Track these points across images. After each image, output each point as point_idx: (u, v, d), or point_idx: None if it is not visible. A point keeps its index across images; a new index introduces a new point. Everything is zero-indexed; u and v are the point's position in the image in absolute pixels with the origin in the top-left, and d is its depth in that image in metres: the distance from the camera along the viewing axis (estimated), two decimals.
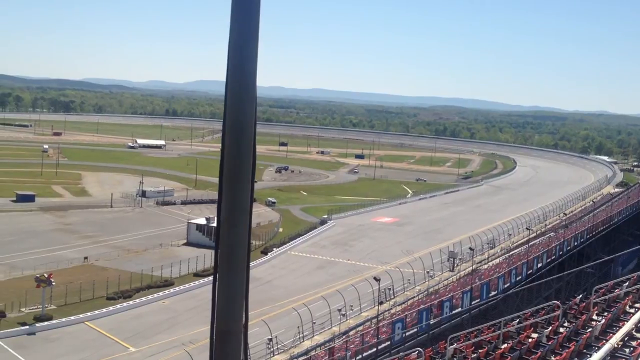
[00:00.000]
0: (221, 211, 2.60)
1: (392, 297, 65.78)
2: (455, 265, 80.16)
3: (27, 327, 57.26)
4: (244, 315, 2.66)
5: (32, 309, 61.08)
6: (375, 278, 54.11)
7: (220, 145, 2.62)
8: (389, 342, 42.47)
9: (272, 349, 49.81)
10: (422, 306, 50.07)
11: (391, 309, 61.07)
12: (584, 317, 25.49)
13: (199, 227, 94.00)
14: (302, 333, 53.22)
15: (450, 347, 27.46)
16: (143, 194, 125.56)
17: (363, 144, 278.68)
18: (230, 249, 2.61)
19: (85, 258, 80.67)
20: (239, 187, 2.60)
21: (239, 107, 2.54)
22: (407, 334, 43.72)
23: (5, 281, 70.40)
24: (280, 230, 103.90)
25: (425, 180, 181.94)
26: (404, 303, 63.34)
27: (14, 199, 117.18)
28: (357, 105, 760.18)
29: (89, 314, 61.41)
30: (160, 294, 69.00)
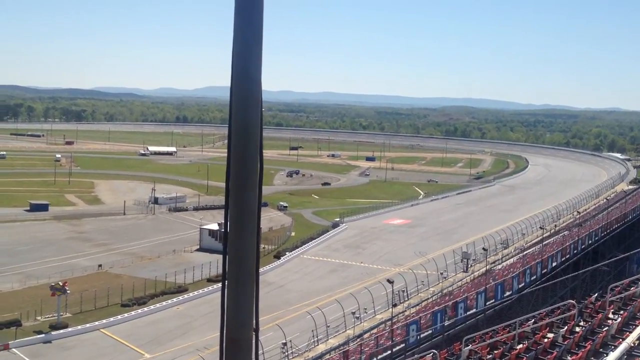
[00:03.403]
0: (228, 218, 2.57)
1: (406, 299, 65.57)
2: (469, 266, 79.80)
3: (43, 335, 57.63)
4: (254, 322, 2.63)
5: (48, 317, 61.49)
6: (388, 280, 53.90)
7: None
8: (403, 345, 42.33)
9: (286, 353, 49.79)
10: (436, 308, 49.90)
11: (405, 311, 60.88)
12: (599, 316, 25.31)
13: (212, 232, 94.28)
14: (317, 337, 53.16)
15: (466, 348, 27.35)
16: (155, 200, 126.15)
17: (373, 146, 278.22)
18: (239, 256, 2.58)
19: (100, 266, 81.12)
20: (247, 193, 2.56)
21: (245, 112, 2.52)
22: (422, 335, 43.57)
23: (21, 290, 70.92)
24: (293, 234, 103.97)
25: (436, 182, 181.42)
26: (418, 305, 63.11)
27: (28, 208, 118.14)
28: (367, 107, 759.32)
29: (104, 321, 61.74)
30: (175, 300, 69.28)
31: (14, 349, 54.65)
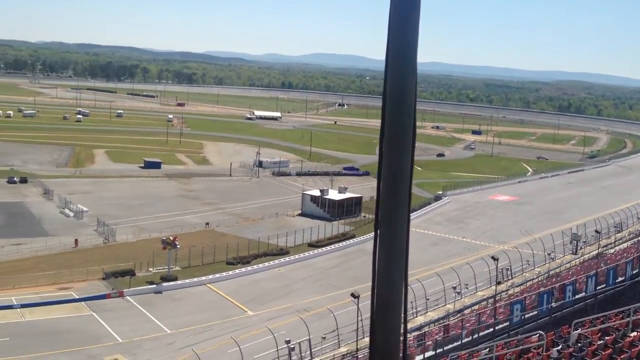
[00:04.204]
0: (382, 179, 2.62)
1: (510, 277, 63.82)
2: (579, 248, 76.41)
3: (154, 286, 60.84)
4: (404, 285, 2.64)
5: (159, 269, 64.79)
6: (493, 257, 52.62)
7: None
8: (507, 323, 41.24)
9: None
10: (542, 289, 48.14)
11: (509, 289, 59.28)
12: None
13: (313, 198, 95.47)
14: (416, 309, 52.92)
15: (575, 332, 26.27)
16: (260, 164, 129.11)
17: (480, 119, 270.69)
18: (391, 218, 2.60)
19: (207, 224, 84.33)
20: (400, 156, 2.58)
21: (400, 79, 2.54)
22: (527, 316, 42.24)
23: (135, 242, 75.13)
24: None
25: (546, 159, 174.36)
26: (522, 284, 61.26)
27: (142, 165, 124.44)
28: (475, 79, 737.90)
29: (210, 276, 64.30)
30: (276, 261, 70.96)
31: (128, 297, 58.12)
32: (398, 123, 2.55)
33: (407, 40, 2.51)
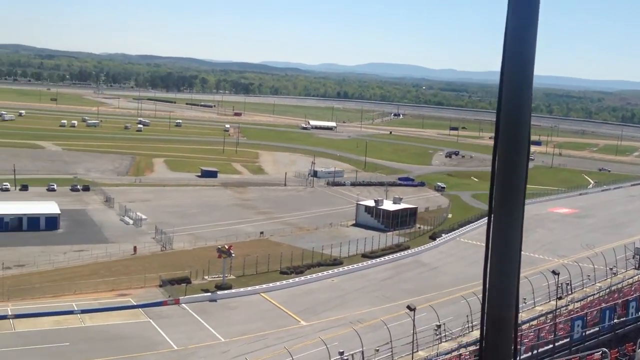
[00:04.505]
0: (494, 192, 2.61)
1: (570, 292, 61.86)
2: None
3: (209, 294, 61.61)
4: (515, 303, 2.58)
5: (214, 277, 65.58)
6: (553, 272, 51.18)
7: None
8: (567, 340, 39.96)
9: (439, 336, 49.12)
10: (604, 305, 46.50)
11: (568, 305, 57.46)
12: None
13: (368, 208, 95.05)
14: (471, 322, 51.83)
15: None
16: (315, 174, 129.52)
17: (540, 129, 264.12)
18: (504, 236, 2.53)
19: (261, 233, 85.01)
20: (514, 172, 2.53)
21: (516, 93, 2.49)
22: (588, 332, 40.85)
23: (191, 250, 76.35)
24: (450, 216, 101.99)
25: (609, 170, 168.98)
26: (582, 299, 59.30)
27: (199, 174, 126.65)
28: (535, 88, 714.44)
29: (264, 285, 64.73)
30: (330, 272, 70.86)
31: (183, 304, 59.05)
32: (513, 134, 2.52)
33: (524, 52, 2.50)
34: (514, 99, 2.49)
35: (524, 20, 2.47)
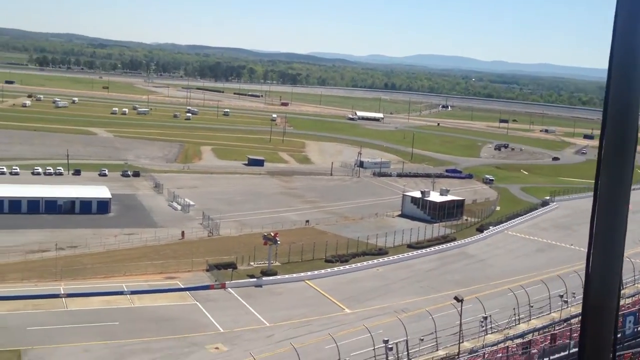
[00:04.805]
0: (599, 185, 2.56)
1: (622, 288, 60.22)
2: None
3: (255, 279, 62.23)
4: (617, 292, 2.57)
5: (260, 263, 66.19)
6: None
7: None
8: (619, 335, 38.94)
9: (485, 328, 48.48)
10: None
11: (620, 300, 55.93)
12: None
13: (414, 199, 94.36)
14: (518, 315, 51.01)
15: None
16: (361, 164, 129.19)
17: (593, 123, 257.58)
18: (611, 224, 2.55)
19: (307, 221, 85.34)
20: (622, 164, 2.55)
21: (626, 84, 2.50)
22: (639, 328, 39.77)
23: (237, 236, 77.22)
24: (498, 208, 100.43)
25: None
26: (634, 295, 57.63)
27: (246, 162, 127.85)
28: (588, 81, 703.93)
29: (309, 273, 65.03)
30: (375, 261, 70.67)
31: (229, 289, 59.78)
32: (621, 129, 2.55)
33: (635, 47, 2.49)
34: (621, 97, 2.49)
35: (636, 13, 2.41)
